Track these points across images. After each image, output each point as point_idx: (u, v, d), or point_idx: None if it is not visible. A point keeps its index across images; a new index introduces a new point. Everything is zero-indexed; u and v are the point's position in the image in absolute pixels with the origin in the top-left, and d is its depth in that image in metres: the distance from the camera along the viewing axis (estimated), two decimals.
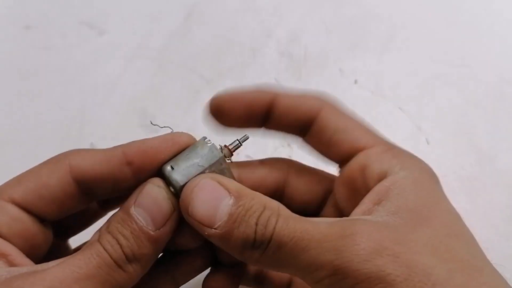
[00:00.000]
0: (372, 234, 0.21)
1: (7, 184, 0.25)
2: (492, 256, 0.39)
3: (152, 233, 0.23)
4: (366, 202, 0.25)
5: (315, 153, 0.29)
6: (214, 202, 0.23)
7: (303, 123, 0.28)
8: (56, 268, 0.22)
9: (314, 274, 0.22)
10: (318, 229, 0.22)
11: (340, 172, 0.29)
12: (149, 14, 0.57)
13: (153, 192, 0.24)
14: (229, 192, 0.23)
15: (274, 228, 0.22)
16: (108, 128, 0.48)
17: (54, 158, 0.26)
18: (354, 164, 0.27)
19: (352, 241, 0.21)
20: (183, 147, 0.26)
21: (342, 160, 0.28)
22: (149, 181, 0.25)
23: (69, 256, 0.23)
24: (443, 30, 0.55)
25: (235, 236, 0.22)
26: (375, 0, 0.58)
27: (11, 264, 0.23)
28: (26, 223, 0.25)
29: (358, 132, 0.28)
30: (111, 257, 0.22)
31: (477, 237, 0.40)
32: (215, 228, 0.22)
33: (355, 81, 0.51)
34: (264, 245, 0.22)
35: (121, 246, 0.23)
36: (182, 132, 0.27)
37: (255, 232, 0.22)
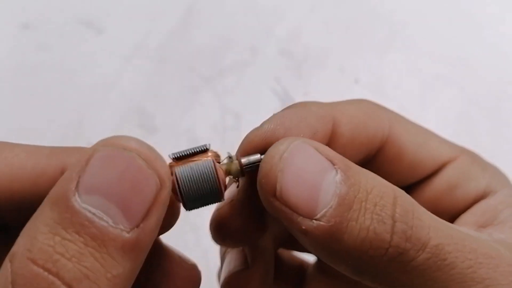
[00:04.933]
0: None
1: None
2: None
3: (127, 235, 0.13)
4: (467, 223, 0.21)
5: (386, 176, 0.19)
6: (315, 178, 0.15)
7: (372, 151, 0.22)
8: None
9: None
10: (492, 247, 0.16)
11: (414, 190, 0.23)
12: (147, 13, 0.57)
13: (120, 159, 0.14)
14: (334, 164, 0.15)
15: (427, 229, 0.15)
16: (106, 128, 0.48)
17: None
18: (440, 182, 0.23)
19: None
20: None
21: (423, 179, 0.23)
22: (105, 141, 0.14)
23: None
24: (444, 29, 0.55)
25: (354, 234, 0.14)
26: (375, 0, 0.58)
27: None
28: None
29: (435, 143, 0.24)
30: None
31: None
32: (317, 219, 0.14)
33: (356, 80, 0.51)
34: (411, 256, 0.15)
35: (69, 286, 0.12)
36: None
37: (392, 231, 0.15)
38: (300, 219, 0.15)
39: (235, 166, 0.19)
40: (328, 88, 0.50)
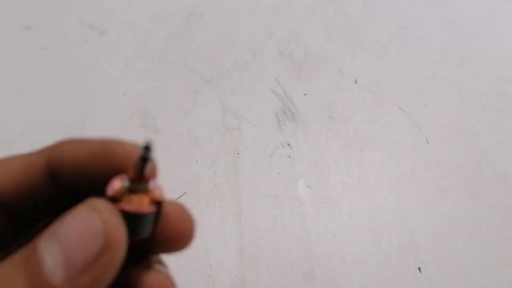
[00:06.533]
0: None
1: None
2: (492, 256, 0.39)
3: (59, 282, 0.14)
4: None
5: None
6: None
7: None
8: None
9: None
10: None
11: None
12: (149, 14, 0.57)
13: (82, 218, 0.15)
14: None
15: None
16: (109, 128, 0.48)
17: None
18: None
19: None
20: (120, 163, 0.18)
21: None
22: (87, 201, 0.16)
23: None
24: (442, 30, 0.55)
25: None
26: (375, 1, 0.58)
27: None
28: None
29: None
30: None
31: (477, 237, 0.40)
32: None
33: (355, 81, 0.51)
34: None
35: None
36: (119, 142, 0.19)
37: None
38: None
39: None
40: (328, 88, 0.50)
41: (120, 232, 0.15)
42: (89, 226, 0.14)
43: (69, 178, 0.18)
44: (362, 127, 0.47)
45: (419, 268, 0.38)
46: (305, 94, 0.49)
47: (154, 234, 0.19)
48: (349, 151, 0.45)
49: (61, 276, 0.14)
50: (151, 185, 0.18)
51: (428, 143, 0.46)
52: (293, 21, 0.56)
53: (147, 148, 0.16)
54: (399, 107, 0.49)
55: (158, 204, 0.18)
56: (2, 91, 0.51)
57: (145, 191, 0.18)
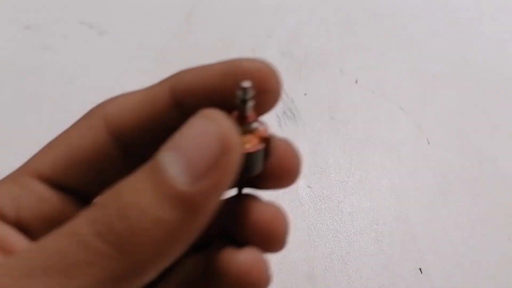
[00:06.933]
0: None
1: (35, 155, 0.20)
2: (493, 256, 0.39)
3: (184, 187, 0.14)
4: None
5: None
6: None
7: None
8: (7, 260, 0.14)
9: None
10: None
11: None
12: (149, 14, 0.57)
13: (197, 126, 0.15)
14: None
15: None
16: None
17: (87, 112, 0.20)
18: None
19: None
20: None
21: None
22: (199, 112, 0.16)
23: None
24: (444, 29, 0.55)
25: None
26: (375, 0, 0.58)
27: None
28: (55, 202, 0.19)
29: None
30: (103, 226, 0.14)
31: (478, 237, 0.40)
32: None
33: (356, 81, 0.51)
34: None
35: (121, 199, 0.14)
36: (249, 59, 0.19)
37: None
38: None
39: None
40: (328, 88, 0.50)
41: (234, 136, 0.15)
42: (205, 133, 0.15)
43: (196, 103, 0.18)
44: (363, 127, 0.47)
45: (420, 269, 0.38)
46: (305, 94, 0.49)
47: (264, 170, 0.19)
48: (350, 151, 0.45)
49: (185, 181, 0.14)
50: (255, 124, 0.18)
51: (429, 143, 0.46)
52: (294, 21, 0.56)
53: (245, 90, 0.17)
54: (400, 107, 0.49)
55: (267, 140, 0.18)
56: (1, 90, 0.51)
57: (251, 130, 0.18)
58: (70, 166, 0.19)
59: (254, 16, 0.56)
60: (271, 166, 0.19)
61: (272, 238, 0.19)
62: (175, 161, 0.14)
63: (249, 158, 0.17)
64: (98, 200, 0.15)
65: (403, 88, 0.50)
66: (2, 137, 0.47)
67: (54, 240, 0.14)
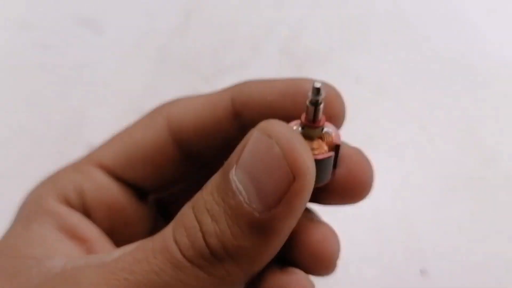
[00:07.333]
0: None
1: (99, 147, 0.21)
2: (498, 258, 0.39)
3: (257, 215, 0.14)
4: None
5: None
6: None
7: None
8: (94, 270, 0.15)
9: None
10: None
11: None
12: (147, 12, 0.57)
13: (263, 144, 0.14)
14: None
15: None
16: (107, 127, 0.47)
17: (152, 111, 0.22)
18: None
19: None
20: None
21: None
22: (260, 124, 0.15)
23: (132, 246, 0.16)
24: (446, 29, 0.55)
25: None
26: None
27: (90, 251, 0.19)
28: (116, 192, 0.20)
29: None
30: (183, 254, 0.14)
31: (481, 238, 0.39)
32: None
33: (357, 80, 0.51)
34: None
35: (203, 234, 0.14)
36: (309, 80, 0.18)
37: None
38: None
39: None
40: None
41: (303, 158, 0.14)
42: (273, 155, 0.14)
43: (254, 116, 0.18)
44: (364, 127, 0.46)
45: (423, 270, 0.38)
46: None
47: (331, 182, 0.18)
48: None
49: (258, 207, 0.14)
50: (325, 129, 0.17)
51: (432, 143, 0.46)
52: (294, 19, 0.56)
53: (317, 91, 0.16)
54: (402, 107, 0.48)
55: (336, 147, 0.17)
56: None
57: (320, 136, 0.17)
58: (131, 160, 0.20)
59: (254, 15, 0.56)
60: (339, 177, 0.19)
61: (320, 261, 0.19)
62: (245, 183, 0.14)
63: (316, 165, 0.16)
64: (179, 218, 0.15)
65: (405, 88, 0.50)
66: (0, 137, 0.47)
67: (147, 257, 0.15)
